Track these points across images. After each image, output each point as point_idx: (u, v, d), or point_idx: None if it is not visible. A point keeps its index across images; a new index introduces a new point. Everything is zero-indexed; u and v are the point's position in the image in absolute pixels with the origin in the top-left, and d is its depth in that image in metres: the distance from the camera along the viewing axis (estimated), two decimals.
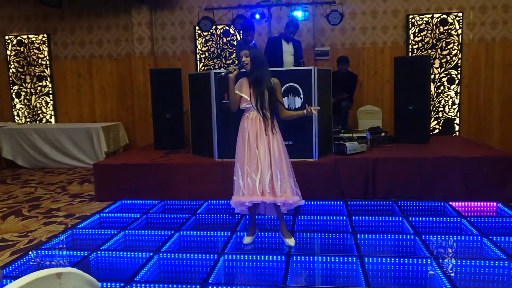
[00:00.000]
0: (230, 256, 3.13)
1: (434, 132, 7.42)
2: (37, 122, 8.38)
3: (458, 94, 7.34)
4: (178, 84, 5.93)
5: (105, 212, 4.39)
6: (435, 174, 4.53)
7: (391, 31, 7.42)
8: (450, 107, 7.39)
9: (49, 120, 8.36)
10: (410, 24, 7.29)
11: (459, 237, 3.39)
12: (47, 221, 4.34)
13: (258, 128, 3.16)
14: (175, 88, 5.92)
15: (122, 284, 2.70)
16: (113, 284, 2.72)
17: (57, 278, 1.21)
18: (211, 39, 7.77)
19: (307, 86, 4.65)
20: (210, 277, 2.77)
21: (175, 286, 2.68)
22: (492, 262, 2.85)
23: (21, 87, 8.36)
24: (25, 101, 8.39)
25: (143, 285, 2.73)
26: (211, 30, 7.58)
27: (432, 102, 7.38)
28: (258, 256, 3.09)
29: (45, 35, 8.17)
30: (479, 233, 3.40)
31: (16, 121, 8.40)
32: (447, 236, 3.38)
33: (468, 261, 2.89)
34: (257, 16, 6.42)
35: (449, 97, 7.37)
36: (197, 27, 7.37)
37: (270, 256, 3.08)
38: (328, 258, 3.02)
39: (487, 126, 7.33)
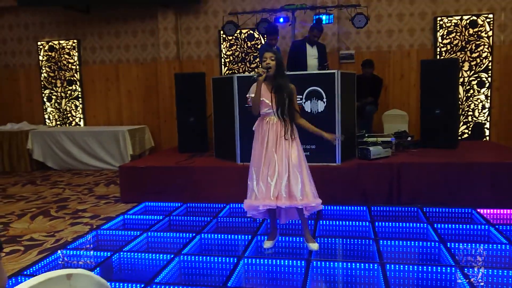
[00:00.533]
0: (250, 260, 3.12)
1: (463, 137, 7.23)
2: (67, 125, 8.63)
3: (489, 98, 7.12)
4: (202, 88, 5.99)
5: (129, 213, 4.47)
6: (462, 180, 4.40)
7: (418, 34, 7.28)
8: (480, 111, 7.18)
9: (78, 123, 8.59)
10: (438, 26, 7.13)
11: (486, 245, 3.28)
12: (73, 221, 4.45)
13: (278, 133, 3.14)
14: (199, 92, 5.98)
15: (142, 286, 2.73)
16: (134, 285, 2.76)
17: (67, 279, 1.23)
18: (235, 43, 7.81)
19: (330, 90, 4.61)
20: (229, 281, 2.77)
21: None
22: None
23: (52, 91, 8.63)
24: (56, 104, 8.65)
25: (163, 286, 2.75)
26: (236, 34, 7.64)
27: (461, 106, 7.19)
28: (278, 261, 3.07)
29: (75, 41, 8.42)
30: (507, 242, 3.28)
31: (47, 124, 8.66)
32: (474, 244, 3.28)
33: (495, 271, 2.78)
34: (281, 20, 6.41)
35: (479, 100, 7.16)
36: (221, 32, 7.43)
37: (290, 261, 3.05)
38: (349, 264, 2.98)
39: None
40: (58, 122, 8.68)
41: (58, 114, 8.67)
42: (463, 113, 7.21)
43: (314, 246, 3.23)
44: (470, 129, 7.22)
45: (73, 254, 3.41)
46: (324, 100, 4.64)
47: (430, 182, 4.47)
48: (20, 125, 7.90)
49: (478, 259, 3.17)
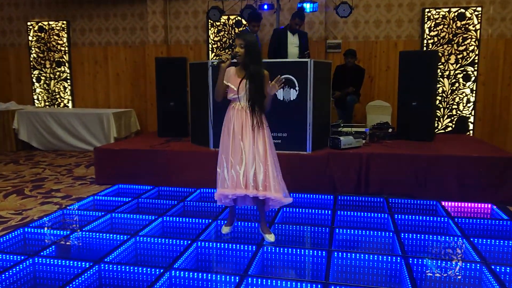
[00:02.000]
0: (202, 243, 3.17)
1: (447, 130, 7.22)
2: (55, 106, 8.67)
3: (474, 92, 7.09)
4: (183, 73, 5.99)
5: (100, 195, 4.52)
6: (430, 173, 4.42)
7: (406, 25, 7.23)
8: (464, 104, 7.15)
9: (67, 104, 8.63)
10: (426, 18, 7.08)
11: (439, 237, 3.31)
12: (44, 201, 4.52)
13: (244, 120, 3.08)
14: (179, 77, 5.99)
15: (91, 264, 2.79)
16: (85, 263, 2.81)
17: None
18: (223, 29, 7.79)
19: (303, 79, 4.61)
20: (176, 262, 2.82)
21: (141, 269, 2.75)
22: (463, 264, 2.78)
23: (41, 72, 8.66)
24: (45, 85, 8.69)
25: (112, 266, 2.80)
26: (223, 20, 7.62)
27: (446, 99, 7.17)
28: (229, 245, 3.12)
29: (64, 22, 8.41)
30: (461, 234, 3.31)
31: (36, 104, 8.71)
32: (426, 236, 3.31)
33: (439, 262, 2.82)
34: (265, 6, 6.38)
35: (464, 94, 7.13)
36: None
37: (240, 246, 3.10)
38: (295, 250, 3.02)
39: (503, 125, 7.06)
40: (47, 103, 8.73)
41: (47, 95, 8.71)
42: (447, 106, 7.19)
43: (270, 237, 3.19)
44: (454, 122, 7.20)
45: (34, 232, 3.47)
46: (297, 88, 4.64)
47: (398, 173, 4.49)
48: (7, 105, 7.94)
49: (428, 251, 3.21)
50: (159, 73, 6.02)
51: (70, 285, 2.56)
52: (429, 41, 7.12)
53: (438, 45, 7.09)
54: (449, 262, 2.83)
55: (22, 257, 2.91)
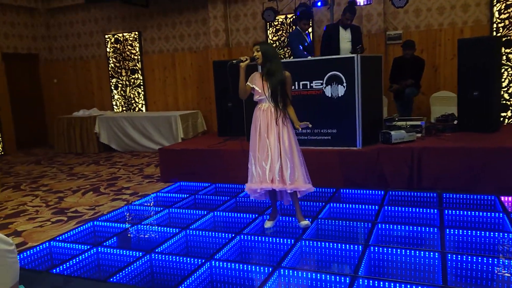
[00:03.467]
0: (245, 236, 3.37)
1: None
2: (131, 111, 9.44)
3: None
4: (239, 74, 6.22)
5: (162, 192, 4.93)
6: (488, 166, 4.20)
7: (472, 9, 6.81)
8: None
9: (141, 109, 9.36)
10: (495, 1, 6.60)
11: (488, 233, 3.17)
12: (115, 197, 5.03)
13: (269, 119, 3.32)
14: (237, 78, 6.22)
15: (143, 253, 3.12)
16: (138, 252, 3.15)
17: None
18: (281, 28, 7.93)
19: (350, 74, 4.61)
20: (218, 253, 3.05)
21: (185, 259, 3.02)
22: (500, 261, 2.67)
23: (118, 80, 9.47)
24: (122, 92, 9.50)
25: (162, 256, 3.11)
26: (281, 20, 7.76)
27: None
28: (271, 238, 3.28)
29: (136, 33, 9.12)
30: None
31: (115, 110, 9.55)
32: (473, 232, 3.19)
33: (479, 258, 2.73)
34: (319, 3, 6.40)
35: None
36: None
37: (282, 239, 3.25)
38: (335, 245, 3.09)
39: None
40: (124, 108, 9.53)
41: (124, 100, 9.51)
42: None
43: (304, 223, 3.39)
44: None
45: (102, 225, 3.92)
46: (344, 84, 4.65)
47: (453, 167, 4.32)
48: (90, 111, 8.83)
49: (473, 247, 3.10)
50: (217, 76, 6.34)
51: (124, 271, 2.90)
52: (499, 25, 6.64)
53: (510, 28, 6.58)
54: (490, 259, 2.73)
55: (88, 247, 3.33)
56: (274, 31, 7.99)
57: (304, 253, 3.14)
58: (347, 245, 3.08)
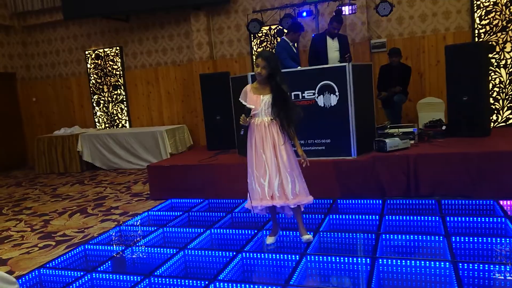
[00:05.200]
0: (248, 254, 3.24)
1: (508, 123, 6.78)
2: (115, 127, 9.22)
3: None
4: (227, 87, 6.14)
5: (154, 210, 4.76)
6: (485, 170, 4.19)
7: (454, 16, 6.91)
8: None
9: (124, 125, 9.15)
10: (476, 7, 6.73)
11: (494, 239, 3.13)
12: (104, 218, 4.83)
13: (264, 133, 3.21)
14: (224, 91, 6.15)
15: (141, 277, 2.96)
16: (136, 277, 2.99)
17: None
18: (265, 40, 7.90)
19: (342, 83, 4.57)
20: (221, 274, 2.91)
21: (186, 281, 2.87)
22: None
23: (100, 96, 9.26)
24: (104, 108, 9.28)
25: (161, 279, 2.95)
26: (265, 31, 7.73)
27: (504, 90, 6.75)
28: (274, 255, 3.16)
29: (117, 48, 8.95)
30: None
31: (97, 127, 9.32)
32: (480, 238, 3.14)
33: (487, 266, 2.68)
34: (304, 14, 6.40)
35: None
36: None
37: (283, 255, 3.13)
38: (341, 258, 3.00)
39: None
40: (107, 125, 9.30)
41: (106, 117, 9.29)
42: (506, 97, 6.76)
43: (306, 237, 3.29)
44: None
45: (93, 249, 3.73)
46: (337, 93, 4.61)
47: (450, 174, 4.30)
48: (72, 129, 8.58)
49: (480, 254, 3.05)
50: (204, 89, 6.24)
51: None
52: (481, 31, 6.75)
53: (491, 33, 6.70)
54: (502, 266, 2.67)
55: (82, 273, 3.14)
56: (258, 42, 7.95)
57: (311, 268, 3.03)
58: (355, 259, 2.99)
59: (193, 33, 8.19)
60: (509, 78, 6.72)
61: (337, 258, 3.02)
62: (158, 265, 3.15)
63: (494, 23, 6.67)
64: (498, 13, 6.63)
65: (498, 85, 6.73)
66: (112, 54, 9.02)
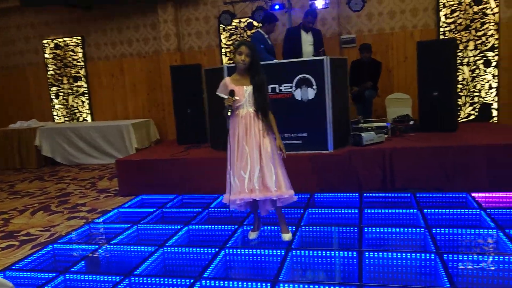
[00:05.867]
0: (231, 250, 3.14)
1: (470, 119, 7.04)
2: (75, 121, 8.80)
3: (496, 78, 6.89)
4: (198, 80, 6.00)
5: (124, 207, 4.54)
6: (457, 164, 4.30)
7: (421, 14, 7.08)
8: (487, 91, 6.96)
9: (86, 118, 8.75)
10: (441, 6, 6.92)
11: (473, 230, 3.20)
12: (71, 216, 4.57)
13: (248, 125, 3.11)
14: (195, 84, 6.00)
15: (121, 277, 2.79)
16: (114, 277, 2.82)
17: None
18: (235, 33, 7.78)
19: (320, 77, 4.54)
20: (206, 271, 2.80)
21: (170, 280, 2.74)
22: (501, 257, 2.67)
23: (59, 88, 8.80)
24: (63, 101, 8.83)
25: (142, 278, 2.80)
26: (235, 24, 7.60)
27: (467, 87, 6.99)
28: (258, 251, 3.08)
29: (79, 38, 8.53)
30: (496, 227, 3.19)
31: (56, 120, 8.85)
32: (460, 230, 3.20)
33: (475, 256, 2.72)
34: (277, 7, 6.33)
35: (485, 80, 6.93)
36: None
37: (268, 251, 3.06)
38: (328, 252, 2.96)
39: None
40: (66, 118, 8.86)
41: (66, 110, 8.85)
42: (469, 94, 7.01)
43: (286, 236, 3.21)
44: (476, 110, 7.01)
45: (63, 248, 3.50)
46: (314, 87, 4.58)
47: (424, 167, 4.38)
48: (29, 123, 8.10)
49: (462, 245, 3.10)
50: (175, 81, 6.04)
51: None
52: (446, 29, 6.95)
53: (455, 32, 6.92)
54: (485, 256, 2.72)
55: (54, 274, 2.92)
56: (228, 35, 7.81)
57: (298, 263, 2.97)
58: (341, 252, 2.96)
59: (160, 24, 7.93)
60: (472, 75, 6.97)
61: (324, 252, 2.98)
62: (137, 264, 2.99)
63: (458, 22, 6.88)
64: (462, 12, 6.85)
65: (461, 82, 6.96)
66: (73, 44, 8.58)
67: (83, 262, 3.15)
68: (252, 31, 7.61)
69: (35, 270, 3.08)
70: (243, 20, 7.60)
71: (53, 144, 7.70)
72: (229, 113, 3.10)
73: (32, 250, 3.59)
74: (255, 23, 7.54)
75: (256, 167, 3.07)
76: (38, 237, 3.95)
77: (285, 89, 4.66)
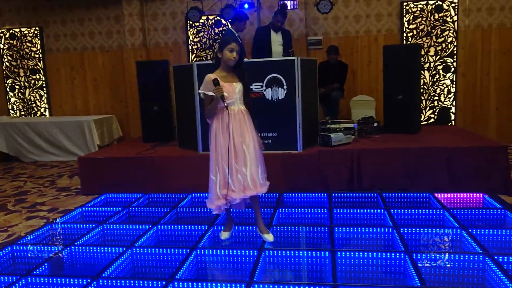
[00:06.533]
0: (203, 250, 3.09)
1: (429, 122, 7.31)
2: (32, 115, 8.39)
3: (454, 83, 7.20)
4: (166, 76, 5.88)
5: (88, 206, 4.38)
6: (420, 165, 4.45)
7: (385, 19, 7.27)
8: (445, 95, 7.26)
9: (44, 113, 8.36)
10: (405, 12, 7.14)
11: (438, 230, 3.32)
12: (30, 215, 4.35)
13: (241, 122, 3.04)
14: (162, 81, 5.87)
15: (89, 280, 2.68)
16: (81, 280, 2.70)
17: None
18: (202, 30, 7.68)
19: (290, 77, 4.57)
20: (178, 272, 2.74)
21: (141, 282, 2.66)
22: (466, 256, 2.78)
23: (15, 81, 8.36)
24: (19, 94, 8.40)
25: (110, 281, 2.70)
26: (203, 21, 7.51)
27: (427, 91, 7.26)
28: (231, 251, 3.05)
29: (37, 28, 8.14)
30: (459, 226, 3.33)
31: (11, 115, 8.41)
32: (426, 229, 3.31)
33: (443, 255, 2.82)
34: (246, 5, 6.31)
35: (444, 85, 7.23)
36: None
37: (242, 251, 3.04)
38: (300, 252, 2.97)
39: (483, 115, 7.19)
40: (23, 113, 8.43)
41: (22, 104, 8.42)
42: (429, 97, 7.28)
43: (269, 237, 3.17)
44: (436, 113, 7.30)
45: (23, 250, 3.31)
46: (285, 87, 4.60)
47: (390, 168, 4.51)
48: None
49: (427, 244, 3.21)
50: (141, 77, 5.88)
51: None
52: (409, 34, 7.18)
53: (418, 38, 7.16)
54: (452, 255, 2.83)
55: (14, 278, 2.77)
56: (195, 32, 7.70)
57: (271, 264, 2.97)
58: (313, 252, 2.98)
59: (125, 17, 7.71)
60: (432, 80, 7.24)
61: (297, 252, 3.00)
62: (105, 265, 2.88)
63: (420, 28, 7.13)
64: (424, 19, 7.10)
65: (422, 86, 7.22)
66: (31, 34, 8.18)
67: (46, 264, 3.01)
68: (220, 28, 7.55)
69: None
70: (211, 17, 7.52)
71: (8, 139, 7.31)
72: (225, 104, 2.96)
73: None
74: (223, 21, 7.48)
75: (256, 164, 3.03)
76: None
77: (255, 88, 4.64)
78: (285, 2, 6.02)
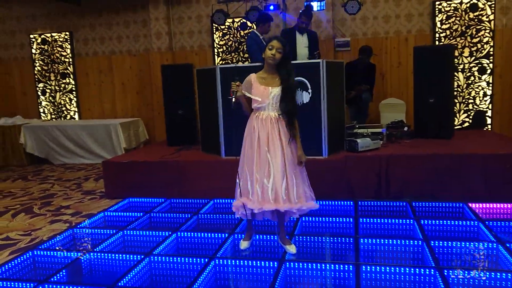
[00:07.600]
0: (221, 260, 3.00)
1: (463, 126, 6.99)
2: (62, 119, 8.56)
3: (491, 85, 6.85)
4: (190, 80, 5.84)
5: (110, 210, 4.37)
6: (453, 173, 4.21)
7: (416, 19, 7.00)
8: (481, 98, 6.91)
9: (73, 116, 8.52)
10: (437, 11, 6.85)
11: (472, 243, 3.10)
12: (54, 219, 4.38)
13: (270, 130, 2.90)
14: (187, 84, 5.84)
15: None
16: None
17: None
18: (228, 33, 7.63)
19: (315, 80, 4.42)
20: (195, 282, 2.65)
21: None
22: (503, 274, 2.57)
23: (46, 85, 8.55)
24: (50, 98, 8.58)
25: None
26: (228, 23, 7.46)
27: (461, 94, 6.94)
28: (250, 262, 2.94)
29: (67, 33, 8.30)
30: (495, 240, 3.10)
31: (42, 118, 8.61)
32: (458, 243, 3.10)
33: (474, 272, 2.62)
34: (271, 7, 6.20)
35: (480, 88, 6.89)
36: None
37: (262, 262, 2.92)
38: (323, 265, 2.83)
39: None
40: (53, 116, 8.62)
41: (53, 108, 8.60)
42: (463, 101, 6.96)
43: (291, 248, 3.05)
44: (471, 117, 6.97)
45: (43, 255, 3.31)
46: (309, 90, 4.46)
47: (420, 175, 4.29)
48: (13, 120, 7.85)
49: (460, 259, 3.00)
50: (166, 81, 5.87)
51: None
52: (441, 35, 6.89)
53: (451, 38, 6.86)
54: (487, 272, 2.62)
55: (32, 284, 2.75)
56: (220, 35, 7.66)
57: (292, 276, 2.84)
58: (337, 265, 2.83)
59: (151, 21, 7.75)
60: (466, 82, 6.92)
61: (319, 265, 2.86)
62: (122, 274, 2.83)
63: (453, 28, 6.83)
64: (458, 18, 6.79)
65: (456, 89, 6.91)
66: (61, 39, 8.34)
67: (64, 270, 2.98)
68: (246, 31, 7.46)
69: (12, 279, 2.89)
70: (236, 20, 7.45)
71: (39, 142, 7.46)
72: (233, 99, 2.91)
73: (11, 256, 3.40)
74: (248, 23, 7.40)
75: (281, 176, 2.87)
76: (18, 241, 3.76)
77: None
78: (311, 3, 5.87)
